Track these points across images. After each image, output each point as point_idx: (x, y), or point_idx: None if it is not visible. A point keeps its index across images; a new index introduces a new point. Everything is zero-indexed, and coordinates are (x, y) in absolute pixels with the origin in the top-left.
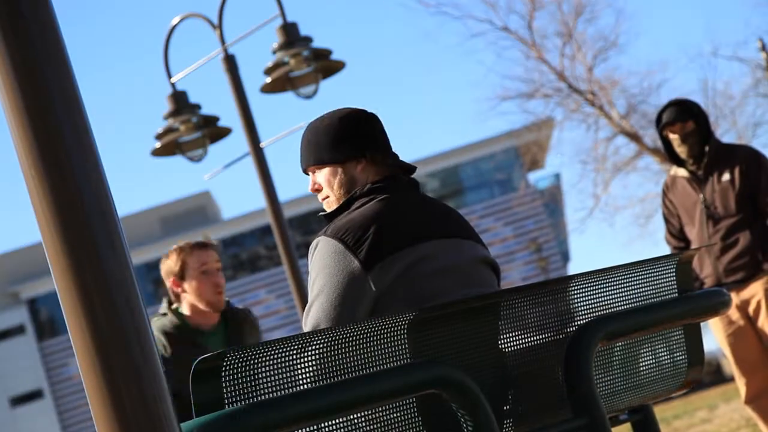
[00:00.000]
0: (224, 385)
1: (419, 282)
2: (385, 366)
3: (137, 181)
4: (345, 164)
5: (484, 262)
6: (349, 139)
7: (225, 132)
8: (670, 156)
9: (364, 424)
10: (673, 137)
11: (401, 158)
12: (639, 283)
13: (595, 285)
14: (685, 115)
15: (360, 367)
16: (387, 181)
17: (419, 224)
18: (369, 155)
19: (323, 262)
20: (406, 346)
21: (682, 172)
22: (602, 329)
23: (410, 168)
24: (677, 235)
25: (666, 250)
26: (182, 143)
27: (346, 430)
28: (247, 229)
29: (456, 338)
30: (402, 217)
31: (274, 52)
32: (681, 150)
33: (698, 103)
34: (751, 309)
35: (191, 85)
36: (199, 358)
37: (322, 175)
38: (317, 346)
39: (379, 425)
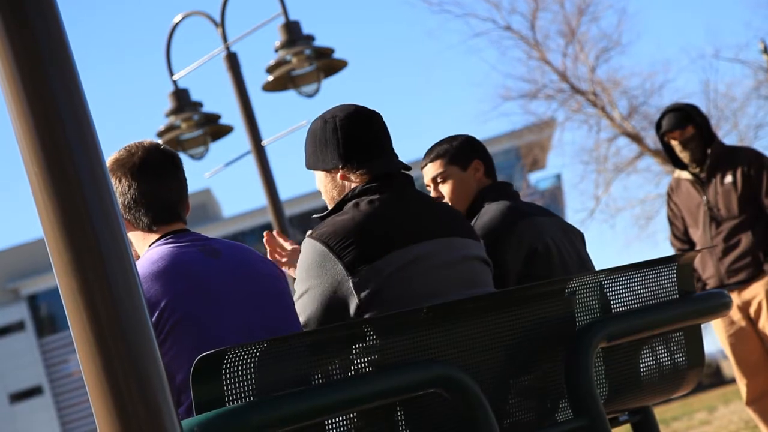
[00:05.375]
0: (225, 383)
1: (413, 283)
2: (386, 365)
3: None
4: (334, 170)
5: (476, 259)
6: (336, 148)
7: (226, 130)
8: (673, 160)
9: (364, 422)
10: (674, 143)
11: (401, 156)
12: (639, 285)
13: (596, 286)
14: (683, 122)
15: (361, 366)
16: (380, 182)
17: (410, 225)
18: (356, 163)
19: (307, 264)
20: (407, 345)
21: (685, 175)
22: (603, 330)
23: (406, 167)
24: (681, 237)
25: (668, 251)
26: (183, 141)
27: (346, 428)
28: (248, 227)
29: (456, 338)
30: (393, 219)
31: (276, 51)
32: (683, 155)
33: (697, 107)
34: (752, 310)
35: (193, 82)
36: (200, 356)
37: (317, 179)
38: (318, 345)
39: (379, 424)
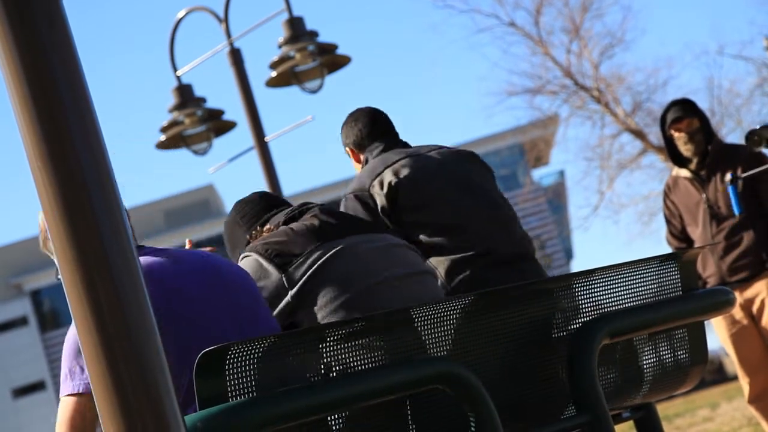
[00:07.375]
0: (228, 379)
1: (347, 266)
2: (389, 361)
3: (142, 173)
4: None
5: (402, 246)
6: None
7: (230, 126)
8: (673, 156)
9: (366, 418)
10: (679, 135)
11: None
12: (643, 281)
13: (599, 283)
14: (690, 112)
15: (364, 363)
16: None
17: (329, 230)
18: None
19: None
20: (410, 342)
21: (684, 173)
22: (606, 327)
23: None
24: (678, 235)
25: (669, 249)
26: (187, 136)
27: (349, 424)
28: None
29: (459, 334)
30: (312, 224)
31: (280, 47)
32: (687, 148)
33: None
34: (754, 308)
35: (197, 78)
36: (203, 352)
37: None
38: (321, 341)
39: (382, 420)
